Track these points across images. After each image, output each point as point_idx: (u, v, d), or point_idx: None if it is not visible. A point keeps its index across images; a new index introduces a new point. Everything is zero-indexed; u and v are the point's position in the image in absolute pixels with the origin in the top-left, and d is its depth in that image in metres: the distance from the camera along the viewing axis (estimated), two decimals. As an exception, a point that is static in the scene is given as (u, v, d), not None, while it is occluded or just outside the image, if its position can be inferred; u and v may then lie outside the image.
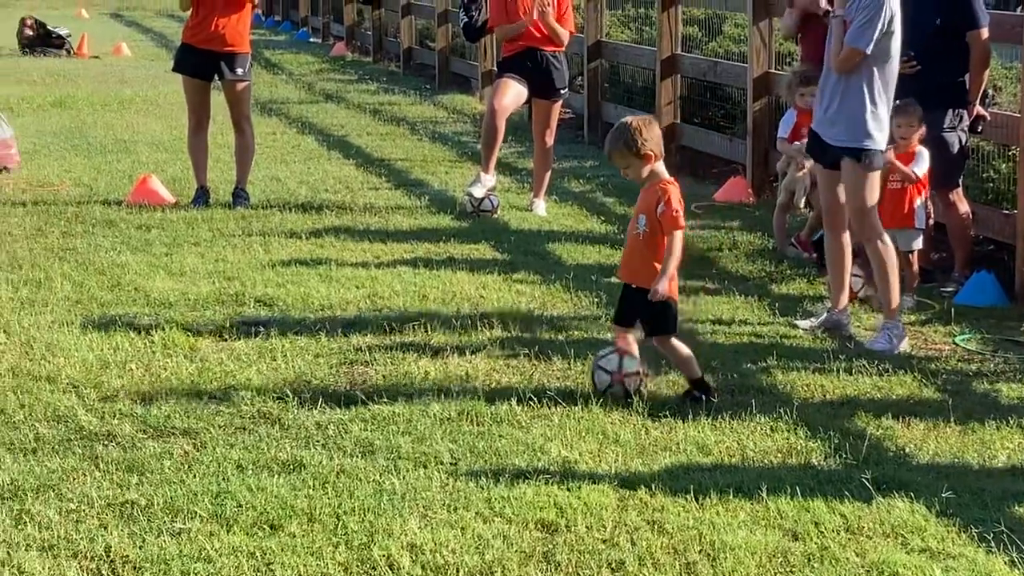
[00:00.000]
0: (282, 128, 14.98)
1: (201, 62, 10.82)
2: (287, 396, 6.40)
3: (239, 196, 10.84)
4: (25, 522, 4.99)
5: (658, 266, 6.42)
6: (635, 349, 6.51)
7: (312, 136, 14.52)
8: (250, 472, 5.48)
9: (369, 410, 6.24)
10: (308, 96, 18.22)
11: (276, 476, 5.44)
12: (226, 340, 7.28)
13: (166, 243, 9.42)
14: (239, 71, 10.83)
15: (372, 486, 5.38)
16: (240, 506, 5.14)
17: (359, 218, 10.45)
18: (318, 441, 5.86)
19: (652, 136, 6.40)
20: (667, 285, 6.38)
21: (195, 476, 5.43)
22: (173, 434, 5.91)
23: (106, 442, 5.78)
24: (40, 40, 22.32)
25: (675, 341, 6.55)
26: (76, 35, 22.95)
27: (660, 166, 6.49)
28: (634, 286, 6.54)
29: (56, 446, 5.73)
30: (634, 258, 6.59)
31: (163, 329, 7.37)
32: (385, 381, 6.68)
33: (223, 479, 5.39)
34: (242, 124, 11.03)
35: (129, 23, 30.26)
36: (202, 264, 8.88)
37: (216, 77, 10.89)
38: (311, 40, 26.61)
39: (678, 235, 6.42)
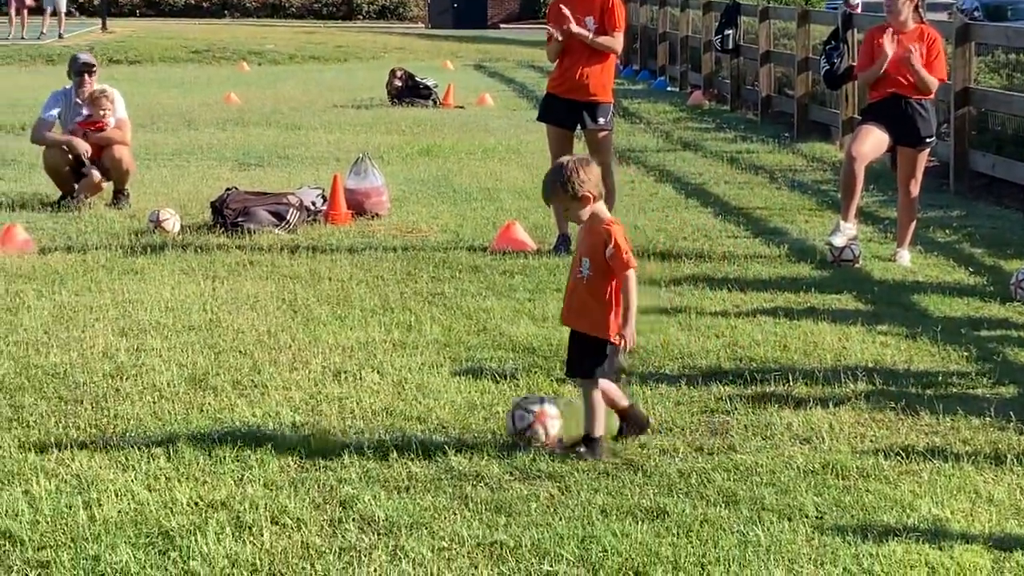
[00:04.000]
0: (640, 176, 15.10)
1: (564, 111, 11.02)
2: (648, 443, 6.44)
3: (600, 243, 10.97)
4: (400, 559, 5.16)
5: (606, 311, 6.22)
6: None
7: (670, 184, 14.59)
8: (614, 518, 5.53)
9: (731, 460, 6.22)
10: (666, 144, 18.32)
11: (640, 523, 5.47)
12: (589, 385, 7.36)
13: (529, 289, 9.61)
14: (601, 120, 10.99)
15: (736, 537, 5.35)
16: (605, 551, 5.19)
17: (718, 266, 10.44)
18: (681, 489, 5.87)
19: (590, 177, 6.19)
20: (634, 331, 6.23)
21: (561, 519, 5.51)
22: (539, 477, 6.01)
23: (475, 482, 5.93)
24: (408, 91, 23.10)
25: (597, 389, 6.28)
26: (442, 86, 23.66)
27: (600, 207, 6.29)
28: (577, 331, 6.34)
29: (428, 484, 5.90)
30: (577, 302, 6.37)
31: (527, 374, 7.52)
32: (747, 431, 6.64)
33: (588, 523, 5.46)
34: (603, 172, 11.17)
35: (492, 74, 31.04)
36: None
37: (579, 126, 11.06)
38: (669, 89, 26.77)
39: (631, 275, 6.23)
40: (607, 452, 6.27)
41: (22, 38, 38.69)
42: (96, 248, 10.90)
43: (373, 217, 12.37)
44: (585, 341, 6.32)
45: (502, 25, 54.19)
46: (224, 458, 6.20)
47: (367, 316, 8.81)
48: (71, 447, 6.31)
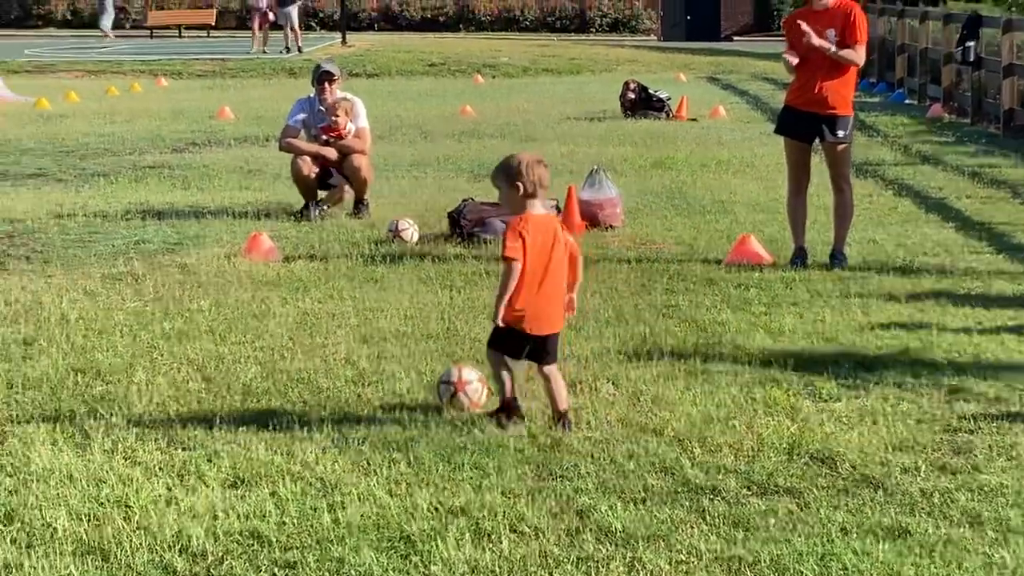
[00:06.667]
0: (878, 190, 14.86)
1: (803, 124, 10.90)
2: (889, 461, 6.34)
3: (836, 257, 10.83)
4: (637, 570, 5.17)
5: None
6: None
7: (909, 198, 14.32)
8: (855, 536, 5.45)
9: (975, 480, 6.08)
10: (904, 158, 17.98)
11: (881, 542, 5.38)
12: (826, 401, 7.29)
13: (764, 302, 9.54)
14: (840, 133, 10.84)
15: (981, 559, 5.23)
16: (846, 570, 5.12)
17: (959, 282, 10.21)
18: (923, 508, 5.76)
19: (531, 173, 6.68)
20: (499, 313, 6.68)
21: (800, 536, 5.45)
22: (777, 492, 5.96)
23: (712, 496, 5.90)
24: (641, 103, 23.13)
25: (503, 360, 6.83)
26: (675, 98, 23.64)
27: (531, 203, 6.74)
28: None
29: (664, 497, 5.90)
30: None
31: (764, 387, 7.47)
32: (991, 451, 6.48)
33: (828, 541, 5.39)
34: (841, 185, 11.04)
35: (725, 86, 30.88)
36: (800, 324, 8.92)
37: (817, 139, 10.94)
38: (907, 102, 26.27)
39: (506, 266, 6.67)
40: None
41: (264, 52, 39.88)
42: (337, 257, 11.16)
43: (607, 228, 12.42)
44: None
45: (735, 37, 53.82)
46: (463, 465, 6.28)
47: (602, 327, 8.85)
48: (315, 451, 6.47)
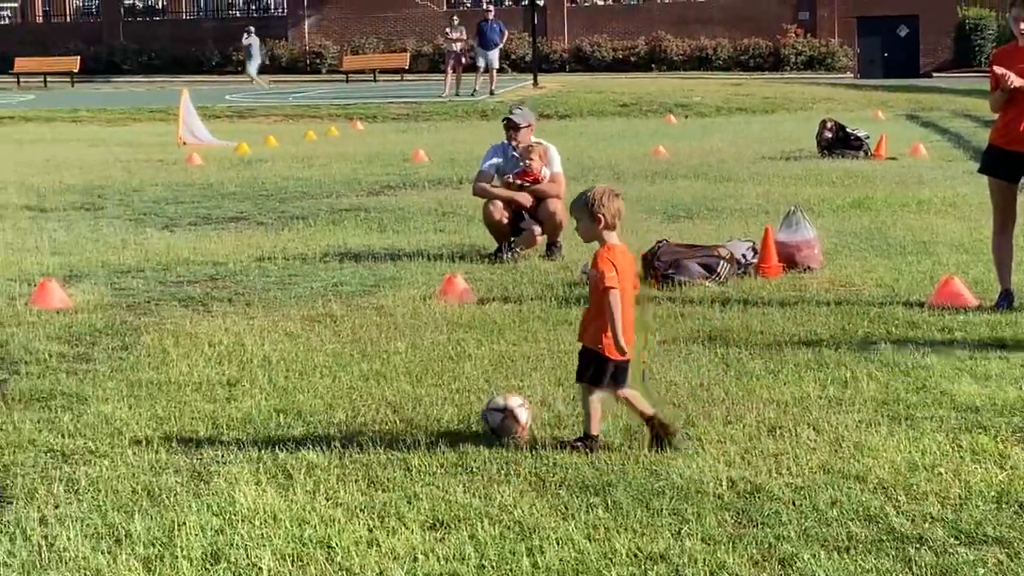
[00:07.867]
0: (1086, 229, 14.41)
1: (1008, 163, 10.64)
2: (1104, 512, 6.11)
3: (1045, 300, 10.54)
4: (843, 620, 5.05)
5: (600, 326, 6.96)
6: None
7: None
8: (1068, 589, 5.27)
9: None
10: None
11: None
12: (1036, 449, 7.06)
13: (970, 345, 9.30)
14: (1049, 172, 10.56)
15: None
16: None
17: None
18: None
19: (610, 205, 6.97)
20: (621, 342, 6.91)
21: (1012, 588, 5.29)
22: (985, 542, 5.78)
23: (918, 545, 5.75)
24: (839, 142, 22.86)
25: (593, 395, 7.07)
26: (873, 136, 23.30)
27: (609, 234, 7.05)
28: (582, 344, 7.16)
29: (869, 546, 5.76)
30: (585, 317, 7.22)
31: (970, 434, 7.27)
32: None
33: (1043, 594, 5.21)
34: (1048, 225, 10.75)
35: (925, 123, 30.35)
36: (1008, 368, 8.68)
37: (1023, 179, 10.66)
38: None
39: (607, 296, 6.89)
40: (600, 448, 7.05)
41: (456, 95, 40.37)
42: (531, 299, 11.19)
43: (805, 270, 12.25)
44: (586, 352, 7.10)
45: (935, 74, 52.89)
46: (661, 510, 6.22)
47: (801, 371, 8.71)
48: (512, 494, 6.47)
